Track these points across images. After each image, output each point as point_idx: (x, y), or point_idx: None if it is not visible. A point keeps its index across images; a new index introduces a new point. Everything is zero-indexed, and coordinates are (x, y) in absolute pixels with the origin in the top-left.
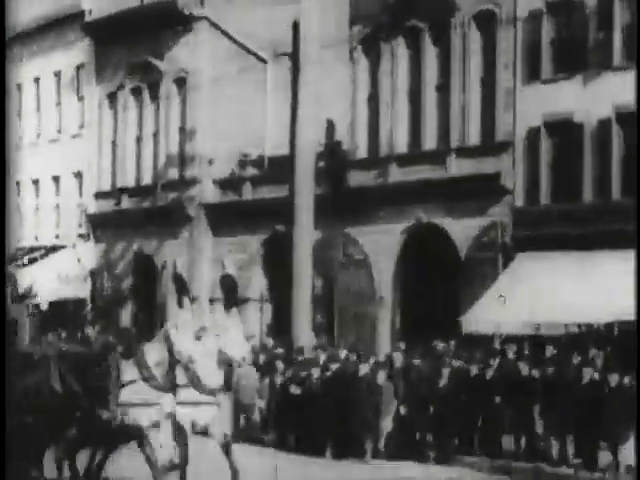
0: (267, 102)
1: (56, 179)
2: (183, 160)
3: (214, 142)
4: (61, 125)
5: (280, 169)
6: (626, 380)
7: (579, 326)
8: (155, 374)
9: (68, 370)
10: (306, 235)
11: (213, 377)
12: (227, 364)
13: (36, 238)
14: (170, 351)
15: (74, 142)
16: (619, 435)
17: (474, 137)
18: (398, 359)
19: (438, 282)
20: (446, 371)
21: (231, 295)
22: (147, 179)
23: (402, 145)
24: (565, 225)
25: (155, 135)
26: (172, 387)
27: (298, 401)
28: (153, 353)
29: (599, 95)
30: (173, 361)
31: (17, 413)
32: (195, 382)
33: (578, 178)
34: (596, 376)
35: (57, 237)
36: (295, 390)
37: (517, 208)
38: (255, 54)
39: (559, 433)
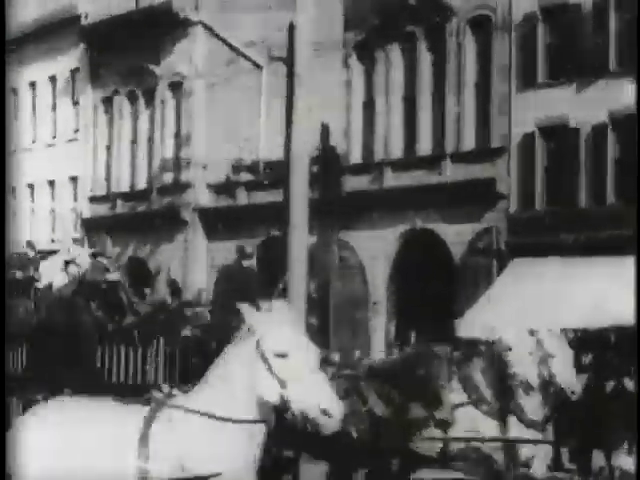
0: (262, 107)
1: (51, 184)
2: (178, 165)
3: (209, 147)
4: (56, 130)
5: (275, 174)
6: (621, 386)
7: (574, 331)
8: (487, 397)
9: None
10: (301, 240)
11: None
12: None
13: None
14: (504, 369)
15: (69, 147)
16: (614, 441)
17: (469, 142)
18: None
19: (433, 287)
20: None
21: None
22: (142, 184)
23: (397, 150)
24: (560, 231)
25: (150, 140)
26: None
27: None
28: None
29: (594, 100)
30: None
31: None
32: (519, 412)
33: (573, 184)
34: (591, 382)
35: (52, 242)
36: None
37: (512, 214)
38: (250, 59)
39: (553, 438)
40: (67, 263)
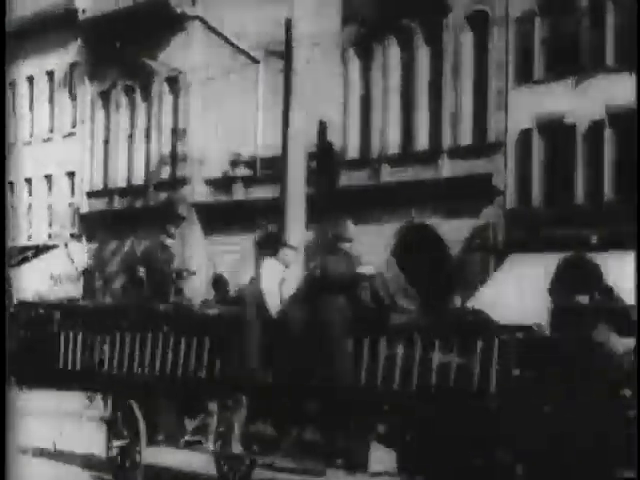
0: (259, 102)
1: (49, 178)
2: (175, 160)
3: (206, 142)
4: (54, 124)
5: (272, 169)
6: None
7: None
8: None
9: None
10: (298, 236)
11: None
12: None
13: (29, 237)
14: None
15: (67, 141)
16: None
17: (466, 138)
18: None
19: (429, 283)
20: None
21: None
22: (139, 179)
23: (394, 145)
24: (557, 226)
25: (147, 134)
26: None
27: None
28: None
29: (591, 96)
30: None
31: None
32: None
33: (570, 179)
34: None
35: (50, 236)
36: None
37: (509, 209)
38: (247, 54)
39: None
40: (278, 246)
